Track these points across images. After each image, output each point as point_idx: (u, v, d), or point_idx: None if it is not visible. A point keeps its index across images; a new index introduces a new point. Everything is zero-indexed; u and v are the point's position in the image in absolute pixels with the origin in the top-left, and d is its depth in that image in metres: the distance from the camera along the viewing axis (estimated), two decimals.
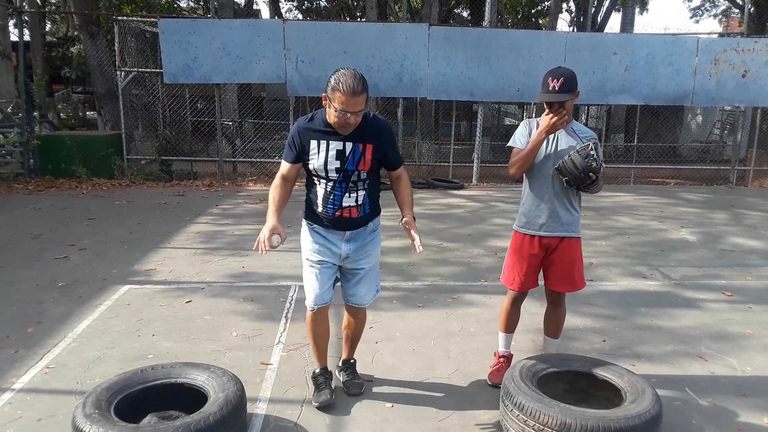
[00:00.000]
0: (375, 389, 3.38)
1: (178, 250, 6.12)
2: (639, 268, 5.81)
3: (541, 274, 3.40)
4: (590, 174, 3.01)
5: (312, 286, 3.08)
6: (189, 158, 11.32)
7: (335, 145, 2.88)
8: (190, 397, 2.79)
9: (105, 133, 11.48)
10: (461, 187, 10.63)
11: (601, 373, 3.02)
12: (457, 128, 13.76)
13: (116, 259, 5.75)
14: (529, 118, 2.95)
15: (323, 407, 3.12)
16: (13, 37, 17.67)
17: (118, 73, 10.53)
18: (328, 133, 2.89)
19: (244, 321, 4.30)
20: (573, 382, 3.13)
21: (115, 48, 10.44)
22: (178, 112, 11.85)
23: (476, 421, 3.08)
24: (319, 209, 3.00)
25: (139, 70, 10.85)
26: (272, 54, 10.04)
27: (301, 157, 2.96)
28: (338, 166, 2.90)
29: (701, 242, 6.93)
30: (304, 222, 3.14)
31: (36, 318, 4.27)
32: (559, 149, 3.16)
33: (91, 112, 21.09)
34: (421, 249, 2.90)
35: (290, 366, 3.62)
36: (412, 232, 2.95)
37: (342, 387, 3.32)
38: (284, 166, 3.03)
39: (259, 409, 3.11)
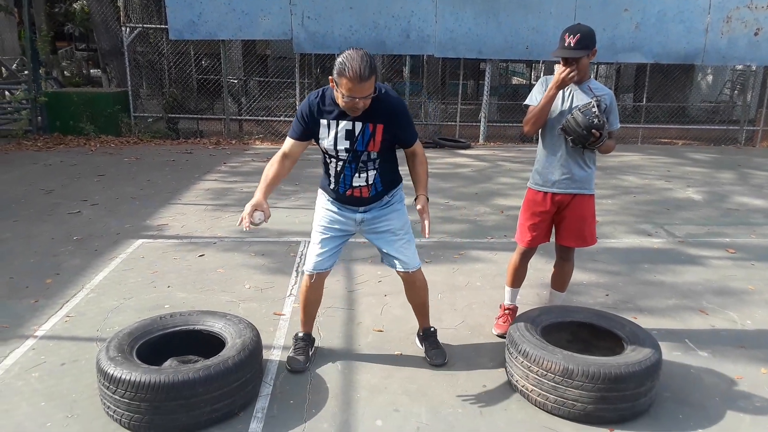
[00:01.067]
0: (384, 338, 3.49)
1: (188, 206, 6.21)
2: (644, 226, 5.87)
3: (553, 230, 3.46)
4: (593, 131, 3.03)
5: (314, 252, 3.06)
6: (195, 116, 11.30)
7: (345, 125, 2.80)
8: (208, 344, 2.90)
9: (111, 90, 11.46)
10: (468, 147, 10.62)
11: (602, 323, 3.12)
12: (464, 87, 13.64)
13: (128, 214, 5.85)
14: (539, 77, 2.96)
15: (294, 371, 3.07)
16: None
17: (123, 29, 10.44)
18: (338, 112, 2.79)
19: (256, 274, 4.41)
20: (576, 332, 3.23)
21: (120, 3, 10.32)
22: (183, 70, 11.78)
23: (481, 368, 3.20)
24: (332, 186, 2.98)
25: (145, 26, 10.75)
26: (278, 9, 9.92)
27: (309, 135, 2.88)
28: (347, 146, 2.82)
29: (707, 201, 6.96)
30: (320, 190, 3.12)
31: (53, 270, 4.39)
32: (573, 107, 3.16)
33: (95, 70, 20.89)
34: (428, 235, 2.84)
35: None
36: (423, 217, 2.88)
37: (425, 357, 3.25)
38: (288, 143, 2.92)
39: (273, 355, 3.24)
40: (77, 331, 3.49)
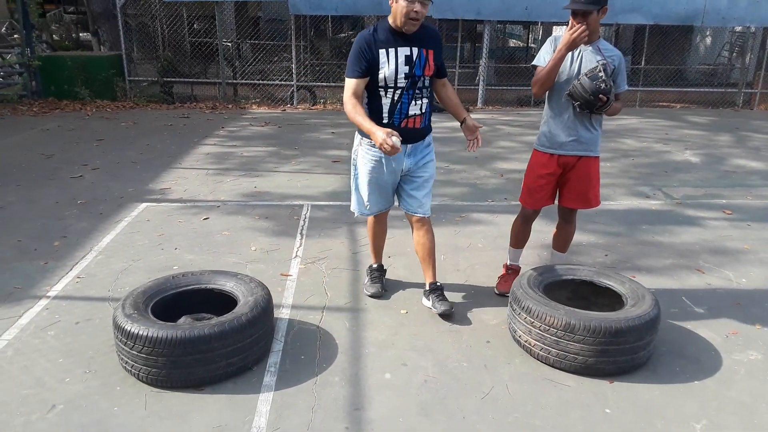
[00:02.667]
0: (390, 297, 3.58)
1: (190, 171, 6.23)
2: (642, 188, 5.94)
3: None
4: (600, 96, 3.04)
5: (374, 201, 3.32)
6: (191, 80, 11.19)
7: (403, 51, 3.01)
8: (221, 302, 2.98)
9: (105, 53, 11.30)
10: (467, 111, 10.57)
11: (603, 280, 3.21)
12: (461, 50, 13.48)
13: (131, 178, 5.87)
14: (537, 39, 2.95)
15: (374, 297, 3.54)
16: None
17: None
18: (395, 40, 3.01)
19: (261, 236, 4.47)
20: (576, 290, 3.32)
21: None
22: (177, 33, 11.60)
23: (485, 324, 3.29)
24: (385, 121, 3.08)
25: None
26: None
27: (370, 70, 3.00)
28: (407, 71, 3.02)
29: (704, 163, 7.02)
30: (362, 140, 3.20)
31: (61, 233, 4.44)
32: (583, 68, 3.15)
33: (85, 34, 20.50)
34: (474, 149, 3.26)
35: (309, 277, 3.82)
36: (477, 133, 3.28)
37: (431, 308, 3.38)
38: (353, 83, 3.01)
39: (283, 314, 3.33)
40: (89, 292, 3.56)
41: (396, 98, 3.06)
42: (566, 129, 3.27)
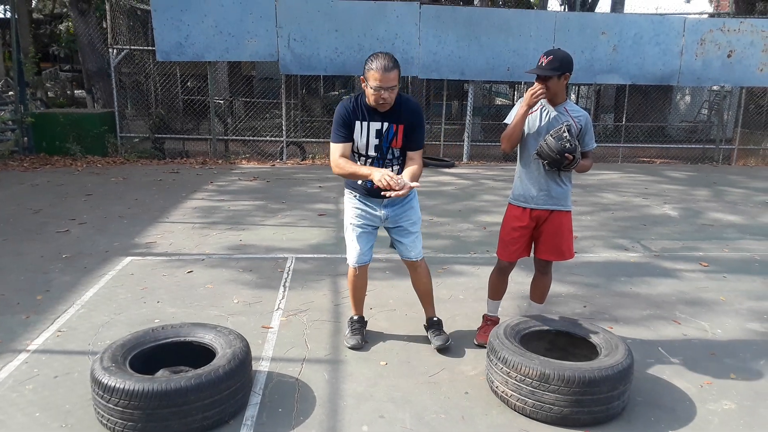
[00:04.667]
0: (370, 348, 3.61)
1: (176, 224, 6.29)
2: (621, 241, 6.06)
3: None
4: (566, 155, 3.21)
5: (354, 247, 3.51)
6: (182, 136, 11.40)
7: (375, 126, 3.27)
8: (199, 356, 2.99)
9: (98, 110, 11.54)
10: (452, 166, 10.82)
11: (578, 331, 3.27)
12: (448, 108, 13.87)
13: (117, 232, 5.92)
14: (522, 97, 3.14)
15: (354, 348, 3.58)
16: None
17: (110, 50, 10.56)
18: (369, 114, 3.25)
19: (244, 289, 4.50)
20: (553, 341, 3.37)
21: (107, 25, 10.45)
22: (170, 91, 11.91)
23: (464, 375, 3.32)
24: (359, 183, 3.38)
25: (132, 47, 10.88)
26: (264, 32, 10.11)
27: (351, 134, 3.28)
28: (377, 143, 3.29)
29: (682, 217, 7.19)
30: (346, 190, 3.55)
31: (44, 286, 4.46)
32: (550, 127, 3.33)
33: (80, 91, 20.93)
34: (390, 195, 2.97)
35: (290, 329, 3.84)
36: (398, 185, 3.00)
37: (431, 343, 3.61)
38: (339, 147, 3.27)
39: (262, 366, 3.34)
40: (69, 346, 3.56)
41: (368, 164, 3.32)
42: (537, 184, 3.42)
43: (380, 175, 3.02)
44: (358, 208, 3.47)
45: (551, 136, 3.22)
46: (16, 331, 3.72)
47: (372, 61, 3.11)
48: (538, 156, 3.30)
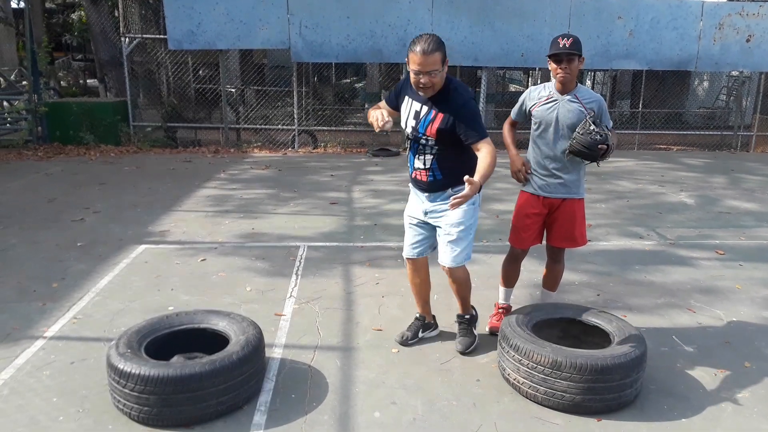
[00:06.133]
0: (382, 337, 3.62)
1: (189, 213, 6.33)
2: (636, 229, 6.01)
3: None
4: (599, 146, 3.18)
5: (405, 239, 3.46)
6: (194, 125, 11.44)
7: (416, 106, 3.15)
8: (213, 342, 3.02)
9: (111, 99, 11.60)
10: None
11: (591, 319, 3.25)
12: None
13: (131, 221, 5.97)
14: (537, 83, 3.15)
15: (398, 342, 3.51)
16: (13, 4, 17.64)
17: (122, 39, 10.59)
18: (416, 94, 3.13)
19: (256, 277, 4.53)
20: (566, 328, 3.35)
21: (118, 14, 10.48)
22: (182, 79, 11.93)
23: (475, 363, 3.32)
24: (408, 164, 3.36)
25: (144, 36, 10.90)
26: (276, 19, 10.08)
27: (397, 106, 3.27)
28: (413, 125, 3.16)
29: (699, 205, 7.11)
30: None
31: (60, 274, 4.51)
32: (560, 117, 3.30)
33: (92, 80, 21.05)
34: (451, 207, 2.83)
35: (302, 317, 3.86)
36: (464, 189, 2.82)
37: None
38: (381, 103, 3.35)
39: (275, 353, 3.36)
40: (85, 332, 3.61)
41: (408, 147, 3.28)
42: (548, 173, 3.40)
43: (373, 113, 3.07)
44: (411, 199, 3.41)
45: (578, 133, 3.19)
46: (33, 318, 3.77)
47: (414, 43, 2.94)
48: (572, 155, 3.28)
